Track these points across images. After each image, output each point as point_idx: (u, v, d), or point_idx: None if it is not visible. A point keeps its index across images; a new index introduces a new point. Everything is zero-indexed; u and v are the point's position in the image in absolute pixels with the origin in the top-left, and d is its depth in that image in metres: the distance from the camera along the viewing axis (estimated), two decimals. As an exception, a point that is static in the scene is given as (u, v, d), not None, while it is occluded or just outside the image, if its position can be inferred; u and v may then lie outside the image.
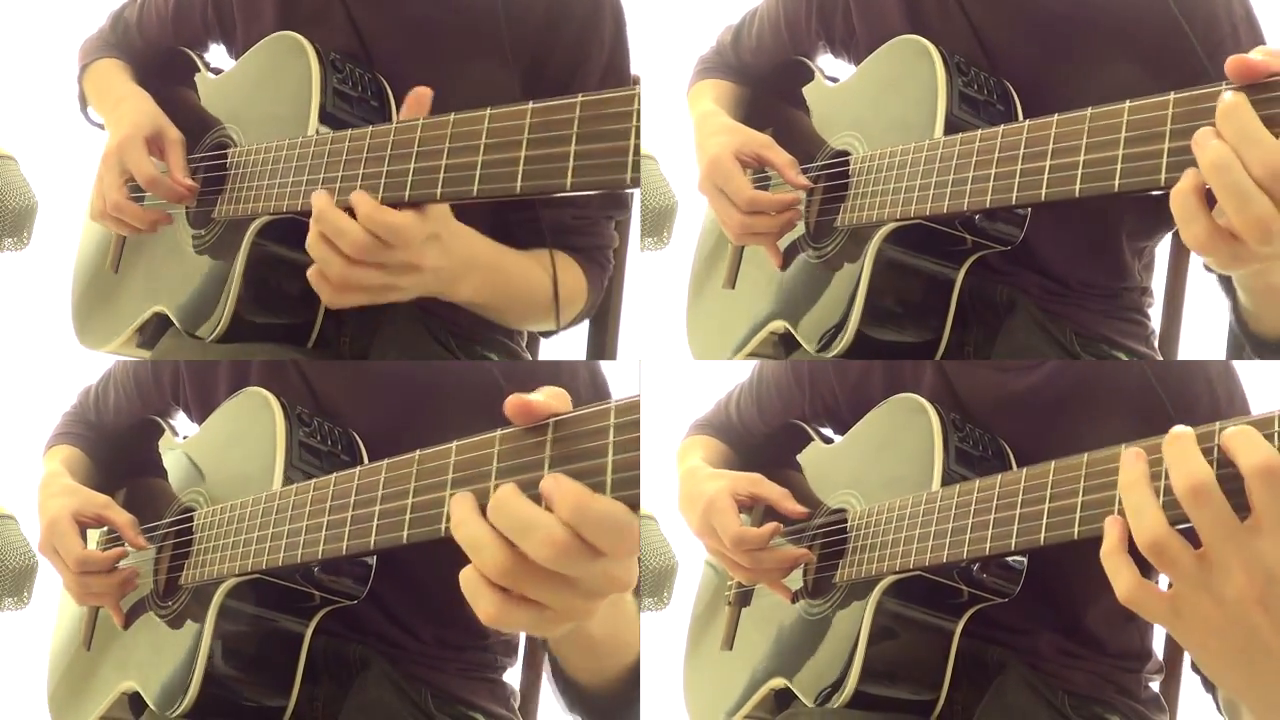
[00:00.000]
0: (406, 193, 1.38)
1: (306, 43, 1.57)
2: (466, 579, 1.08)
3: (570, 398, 1.09)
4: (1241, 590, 1.04)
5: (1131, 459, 1.09)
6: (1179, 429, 1.07)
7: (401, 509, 1.19)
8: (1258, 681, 1.08)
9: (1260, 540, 1.03)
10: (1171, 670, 1.72)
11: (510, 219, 1.61)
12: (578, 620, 1.10)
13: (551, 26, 1.60)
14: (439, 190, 1.37)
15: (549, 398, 1.07)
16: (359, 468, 1.26)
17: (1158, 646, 1.67)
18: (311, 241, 1.42)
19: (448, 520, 1.13)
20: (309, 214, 1.45)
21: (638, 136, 1.24)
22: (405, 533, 1.19)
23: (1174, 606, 1.07)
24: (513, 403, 1.07)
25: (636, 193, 1.88)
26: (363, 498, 1.24)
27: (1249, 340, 1.52)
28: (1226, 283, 1.60)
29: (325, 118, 1.53)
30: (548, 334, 1.75)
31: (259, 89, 1.62)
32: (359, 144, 1.42)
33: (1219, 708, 1.50)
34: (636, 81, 1.23)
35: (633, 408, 1.03)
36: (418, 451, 1.17)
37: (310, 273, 1.44)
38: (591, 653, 1.43)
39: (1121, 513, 1.10)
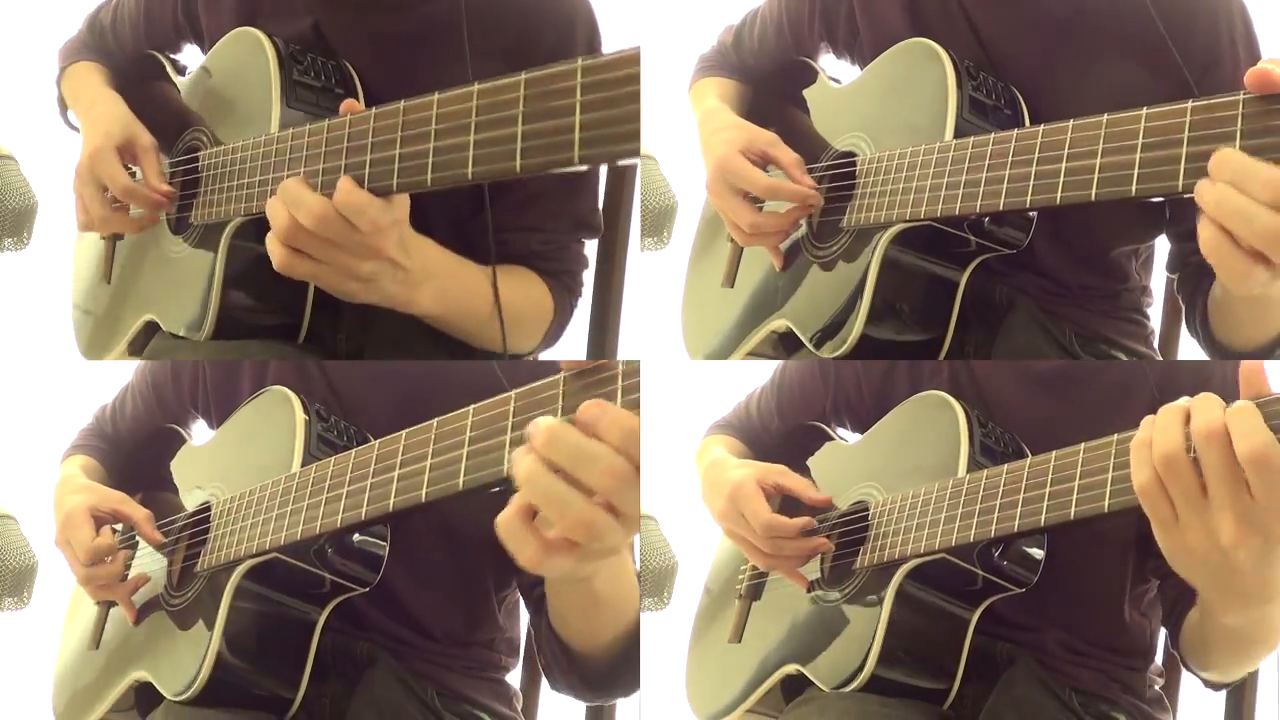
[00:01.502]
0: (365, 185, 1.35)
1: (264, 37, 1.56)
2: (509, 525, 1.10)
3: None
4: (1232, 535, 1.15)
5: (1172, 403, 1.19)
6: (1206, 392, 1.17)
7: (420, 470, 1.23)
8: (1221, 583, 1.22)
9: (1255, 504, 1.14)
10: (1171, 670, 1.73)
11: (475, 241, 1.59)
12: (351, 277, 1.28)
13: (522, 40, 1.58)
14: (394, 181, 1.33)
15: None
16: (378, 440, 1.30)
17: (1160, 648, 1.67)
18: (272, 208, 1.39)
19: (465, 475, 1.18)
20: None
21: (636, 101, 1.15)
22: (424, 491, 1.23)
23: (1173, 522, 1.18)
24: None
25: (636, 193, 1.88)
26: (382, 465, 1.28)
27: (1211, 347, 1.61)
28: (1190, 292, 1.62)
29: (288, 112, 1.52)
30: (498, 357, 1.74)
31: (222, 88, 1.62)
32: (317, 139, 1.40)
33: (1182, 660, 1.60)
34: (637, 57, 1.18)
35: (635, 369, 1.10)
36: (435, 419, 1.22)
37: (270, 237, 1.40)
38: (594, 611, 1.45)
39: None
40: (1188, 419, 1.17)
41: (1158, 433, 1.17)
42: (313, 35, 1.59)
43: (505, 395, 1.17)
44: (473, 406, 1.19)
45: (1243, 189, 1.19)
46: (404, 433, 1.27)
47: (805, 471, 1.72)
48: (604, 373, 1.11)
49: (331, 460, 1.37)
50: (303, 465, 1.47)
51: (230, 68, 1.61)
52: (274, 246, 1.39)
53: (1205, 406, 1.16)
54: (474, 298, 1.56)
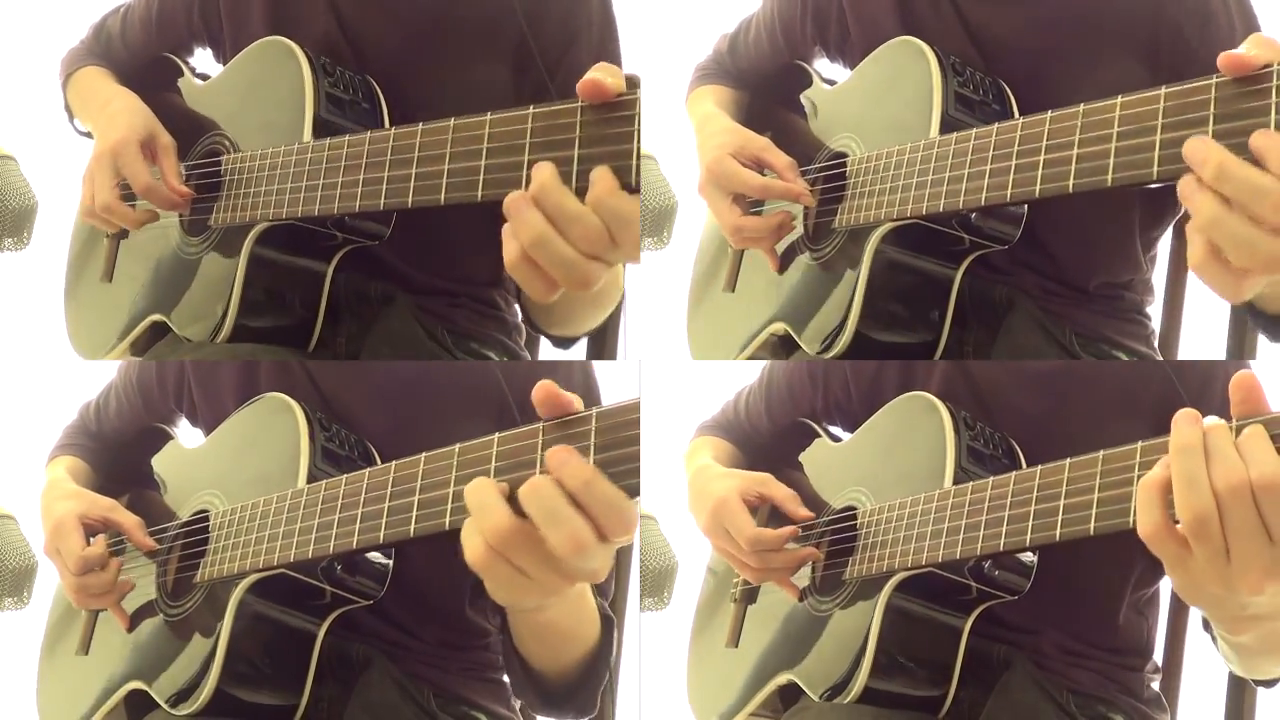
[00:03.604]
0: (409, 199, 1.35)
1: (297, 48, 1.56)
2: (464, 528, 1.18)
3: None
4: (1254, 585, 1.10)
5: (1189, 419, 1.13)
6: (1218, 421, 1.12)
7: (443, 498, 1.23)
8: (1232, 615, 1.18)
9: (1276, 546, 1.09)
10: (1171, 670, 1.72)
11: None
12: (548, 597, 1.21)
13: (537, 11, 1.58)
14: (443, 195, 1.33)
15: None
16: (394, 462, 1.30)
17: (1158, 648, 1.67)
18: (529, 224, 1.22)
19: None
20: (310, 219, 1.46)
21: (638, 140, 1.21)
22: (448, 520, 1.23)
23: (1184, 561, 1.13)
24: (544, 390, 1.15)
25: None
26: (400, 489, 1.28)
27: (1259, 321, 1.54)
28: None
29: (319, 123, 1.52)
30: (568, 341, 1.73)
31: (251, 95, 1.61)
32: (357, 149, 1.40)
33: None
34: (636, 84, 1.20)
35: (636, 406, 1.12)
36: (458, 445, 1.23)
37: (512, 258, 1.24)
38: (549, 637, 1.49)
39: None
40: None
41: (1184, 488, 1.11)
42: (341, 42, 1.59)
43: (534, 427, 1.17)
44: (498, 435, 1.20)
45: (1247, 209, 1.13)
46: (423, 455, 1.26)
47: (798, 467, 1.72)
48: (626, 414, 1.13)
49: (344, 479, 1.36)
50: (308, 477, 1.46)
51: (258, 75, 1.61)
52: (530, 277, 1.26)
53: (1224, 454, 1.10)
54: None
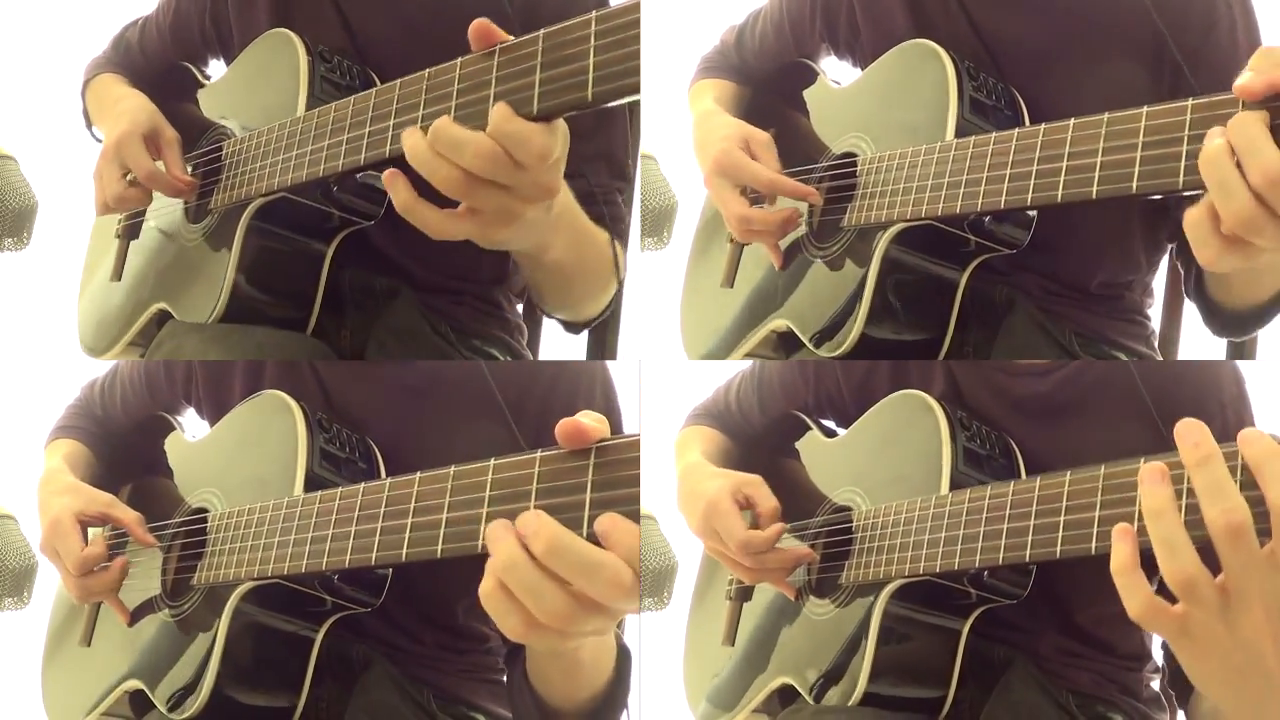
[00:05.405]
0: (388, 150, 1.34)
1: (295, 36, 1.57)
2: (491, 598, 1.11)
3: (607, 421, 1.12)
4: (1258, 624, 1.05)
5: (1155, 478, 1.08)
6: (1206, 447, 1.07)
7: (436, 523, 1.20)
8: (1250, 699, 1.10)
9: None
10: (1170, 669, 1.72)
11: None
12: (514, 221, 1.25)
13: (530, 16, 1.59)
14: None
15: (595, 423, 1.10)
16: (389, 479, 1.27)
17: (1156, 647, 1.67)
18: (422, 159, 1.27)
19: (484, 539, 1.13)
20: (300, 190, 1.47)
21: (637, 43, 1.19)
22: (440, 547, 1.20)
23: (1184, 626, 1.08)
24: (566, 427, 1.09)
25: (636, 193, 1.88)
26: (394, 509, 1.25)
27: (1206, 308, 1.59)
28: (1187, 259, 1.62)
29: (314, 101, 1.52)
30: (577, 326, 1.72)
31: (250, 83, 1.63)
32: (342, 112, 1.40)
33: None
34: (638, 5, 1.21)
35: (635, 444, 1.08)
36: (453, 467, 1.19)
37: (404, 198, 1.30)
38: (575, 673, 1.47)
39: (1141, 528, 1.10)
40: (1181, 503, 1.07)
41: (1164, 552, 1.06)
42: (346, 40, 1.60)
43: (530, 457, 1.13)
44: (493, 462, 1.16)
45: (1240, 158, 1.15)
46: (418, 476, 1.23)
47: (792, 456, 1.71)
48: (624, 453, 1.09)
49: (339, 493, 1.33)
50: (306, 481, 1.46)
51: (259, 65, 1.62)
52: (424, 210, 1.29)
53: (1218, 490, 1.05)
54: (592, 248, 1.55)
